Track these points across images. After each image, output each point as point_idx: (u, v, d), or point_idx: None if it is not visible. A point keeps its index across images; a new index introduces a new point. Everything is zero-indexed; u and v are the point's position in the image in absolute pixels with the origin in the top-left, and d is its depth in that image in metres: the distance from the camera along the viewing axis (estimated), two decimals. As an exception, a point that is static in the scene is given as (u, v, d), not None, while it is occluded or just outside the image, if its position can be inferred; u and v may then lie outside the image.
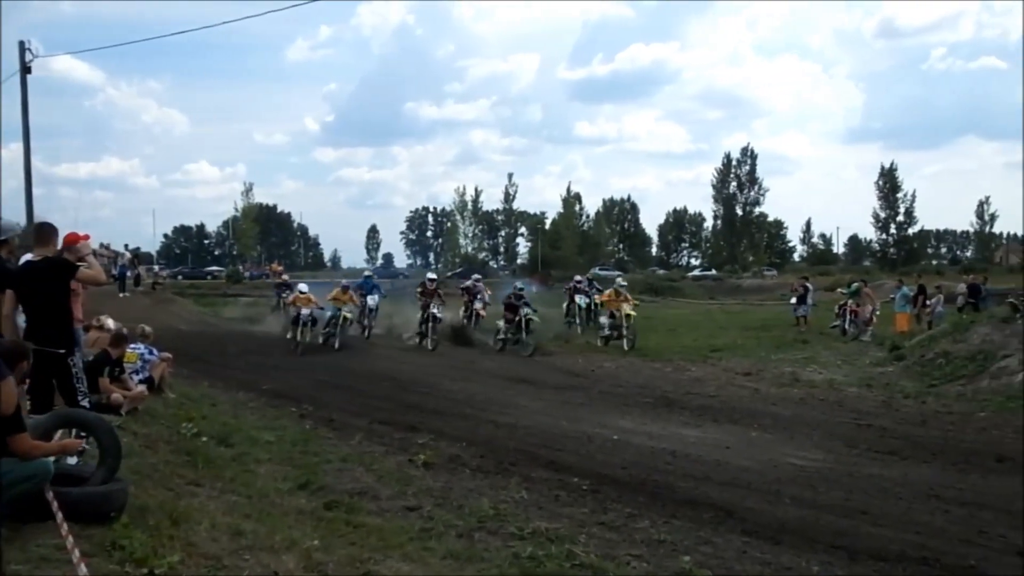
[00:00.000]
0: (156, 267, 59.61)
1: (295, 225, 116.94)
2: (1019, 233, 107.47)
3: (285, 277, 37.98)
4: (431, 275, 26.10)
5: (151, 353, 12.17)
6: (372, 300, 24.51)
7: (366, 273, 29.72)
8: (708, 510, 7.54)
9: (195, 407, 11.39)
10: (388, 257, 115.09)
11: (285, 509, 6.73)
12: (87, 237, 7.04)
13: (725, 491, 8.34)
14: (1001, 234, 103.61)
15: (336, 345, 21.73)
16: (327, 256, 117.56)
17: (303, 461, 8.79)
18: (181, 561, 4.81)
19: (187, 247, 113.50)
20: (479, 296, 25.78)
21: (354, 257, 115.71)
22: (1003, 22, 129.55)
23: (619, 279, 28.32)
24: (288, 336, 21.99)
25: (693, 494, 8.15)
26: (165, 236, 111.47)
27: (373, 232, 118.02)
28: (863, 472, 9.38)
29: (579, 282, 28.00)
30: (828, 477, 9.09)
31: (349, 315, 22.94)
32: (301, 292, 23.16)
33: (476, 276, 28.32)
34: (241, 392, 14.04)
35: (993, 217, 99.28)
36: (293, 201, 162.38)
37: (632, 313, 22.87)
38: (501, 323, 22.78)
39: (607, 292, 24.49)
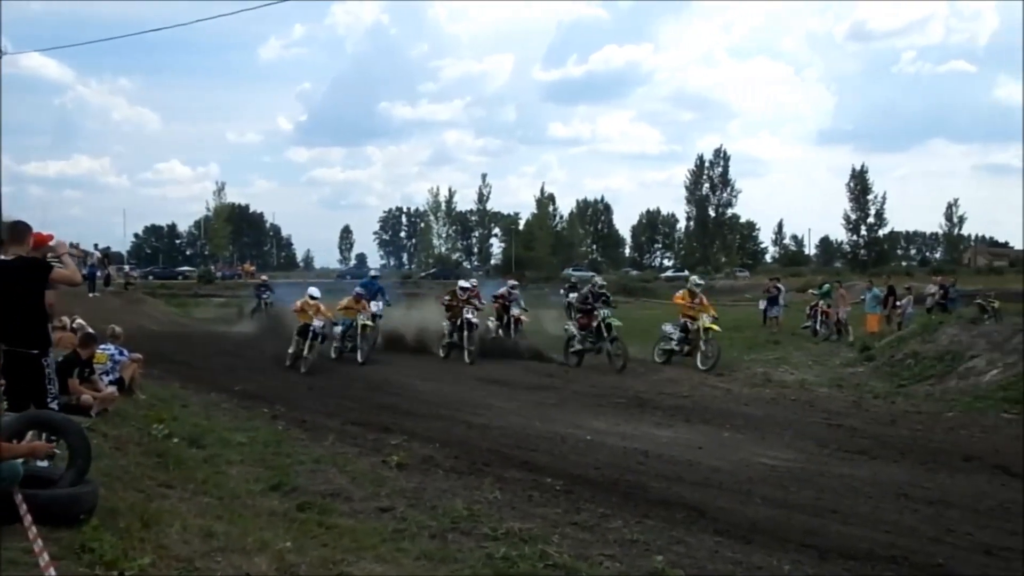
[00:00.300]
0: (127, 267, 58.99)
1: (268, 225, 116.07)
2: (987, 235, 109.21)
3: (264, 278, 37.02)
4: (467, 283, 21.65)
5: (121, 354, 12.09)
6: (376, 306, 20.62)
7: (372, 273, 25.28)
8: (680, 510, 7.58)
9: (166, 408, 11.31)
10: (361, 257, 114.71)
11: (257, 511, 6.69)
12: (51, 237, 6.96)
13: (697, 491, 8.39)
14: (969, 236, 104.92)
15: (361, 358, 19.09)
16: (300, 256, 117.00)
17: (275, 462, 8.75)
18: (152, 564, 4.77)
19: (158, 247, 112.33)
20: (515, 303, 22.68)
21: (327, 257, 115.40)
22: (971, 26, 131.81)
23: (694, 277, 22.45)
24: (290, 351, 18.22)
25: (666, 494, 8.19)
26: (136, 236, 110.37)
27: (346, 232, 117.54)
28: (833, 471, 9.47)
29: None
30: (799, 477, 9.16)
31: (369, 322, 19.80)
32: (312, 298, 18.93)
33: (512, 282, 24.36)
34: (213, 393, 13.96)
35: (961, 219, 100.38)
36: (266, 201, 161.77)
37: (714, 327, 18.62)
38: (572, 328, 19.37)
39: (679, 294, 20.18)
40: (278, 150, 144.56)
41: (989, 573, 6.37)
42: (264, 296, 31.23)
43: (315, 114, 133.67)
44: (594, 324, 18.53)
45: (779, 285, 29.84)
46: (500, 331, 21.94)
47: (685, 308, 19.08)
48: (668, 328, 19.29)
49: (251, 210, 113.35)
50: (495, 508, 7.39)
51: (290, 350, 18.26)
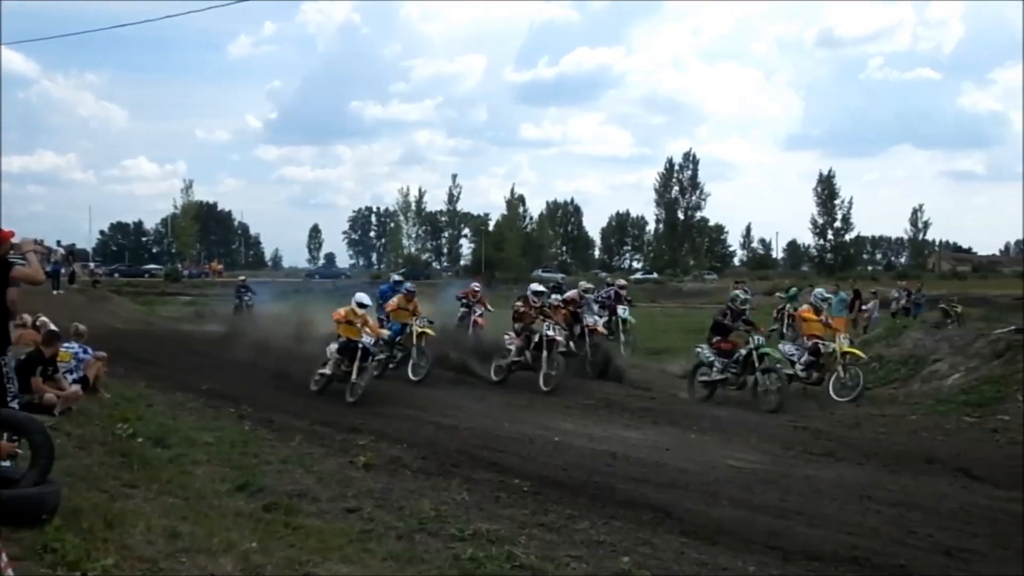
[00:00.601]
0: (92, 264, 58.36)
1: (236, 224, 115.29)
2: (951, 241, 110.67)
3: (243, 278, 35.07)
4: (540, 286, 17.94)
5: (85, 352, 11.96)
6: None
7: (395, 277, 21.72)
8: (647, 511, 7.62)
9: (131, 407, 11.19)
10: (330, 257, 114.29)
11: (223, 511, 6.64)
12: (12, 234, 6.87)
13: (664, 492, 8.44)
14: (934, 241, 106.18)
15: (416, 376, 15.99)
16: (268, 255, 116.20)
17: (242, 462, 8.69)
18: (116, 564, 4.74)
19: (124, 245, 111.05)
20: (588, 309, 18.74)
21: (295, 257, 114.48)
22: (937, 34, 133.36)
23: (819, 290, 17.41)
24: (324, 371, 14.63)
25: (633, 495, 8.23)
26: (101, 233, 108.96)
27: (315, 232, 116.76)
28: (798, 473, 9.56)
29: (621, 287, 21.42)
30: (764, 478, 9.24)
31: (428, 328, 16.69)
32: (360, 306, 14.96)
33: (584, 285, 20.31)
34: (179, 392, 13.79)
35: (926, 225, 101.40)
36: (234, 199, 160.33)
37: (856, 351, 15.35)
38: (705, 351, 15.42)
39: (803, 308, 16.47)
40: (247, 148, 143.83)
41: (950, 574, 6.46)
42: (245, 298, 29.80)
43: (285, 112, 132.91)
44: (742, 352, 14.92)
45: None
46: (569, 344, 17.03)
47: (813, 327, 15.56)
48: (707, 353, 15.44)
49: (219, 208, 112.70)
50: (463, 509, 7.39)
51: (323, 370, 14.62)
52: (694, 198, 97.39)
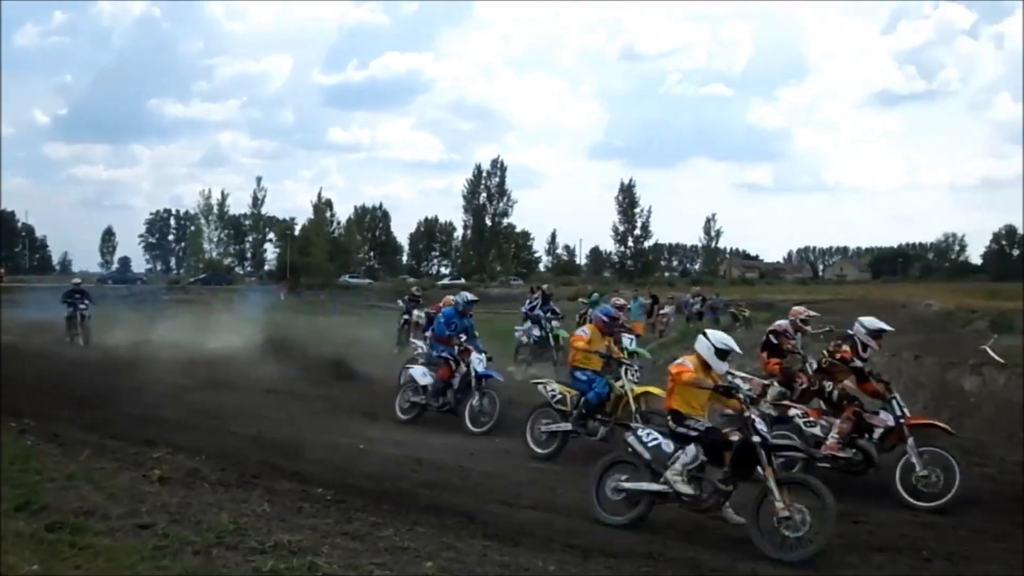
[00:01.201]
0: None
1: (19, 225, 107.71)
2: (740, 248, 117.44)
3: (77, 281, 27.35)
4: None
5: None
6: (479, 361, 13.36)
7: (463, 296, 14.94)
8: (451, 516, 7.70)
9: None
10: (124, 261, 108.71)
11: (1, 533, 6.22)
12: None
13: (468, 496, 8.56)
14: (725, 249, 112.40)
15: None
16: (56, 259, 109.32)
17: (22, 480, 8.12)
18: None
19: None
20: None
21: (87, 261, 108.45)
22: (729, 53, 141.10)
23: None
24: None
25: (437, 501, 8.30)
26: None
27: (109, 235, 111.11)
28: (597, 474, 9.90)
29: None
30: (565, 479, 9.53)
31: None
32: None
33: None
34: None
35: (719, 233, 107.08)
36: (18, 199, 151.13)
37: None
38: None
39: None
40: (34, 145, 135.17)
41: (735, 562, 6.88)
42: (81, 307, 23.35)
43: (77, 108, 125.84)
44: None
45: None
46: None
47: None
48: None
49: (1, 208, 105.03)
50: (263, 521, 7.21)
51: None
52: (501, 204, 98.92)
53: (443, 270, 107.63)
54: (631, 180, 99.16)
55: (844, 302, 39.45)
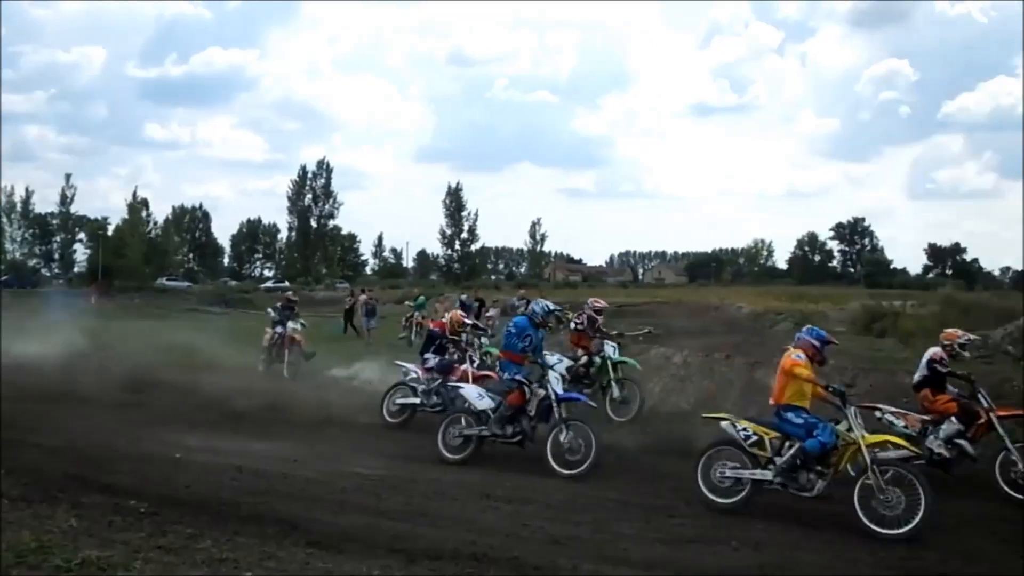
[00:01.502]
0: None
1: None
2: (565, 252, 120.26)
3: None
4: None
5: None
6: (555, 379, 11.11)
7: (540, 305, 12.24)
8: (273, 524, 7.49)
9: None
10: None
11: None
12: None
13: (291, 504, 8.36)
14: (550, 253, 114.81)
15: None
16: None
17: None
18: None
19: None
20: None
21: None
22: (554, 60, 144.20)
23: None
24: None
25: (259, 509, 8.06)
26: None
27: None
28: (424, 477, 9.92)
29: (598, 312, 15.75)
30: (391, 484, 9.48)
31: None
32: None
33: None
34: None
35: (544, 237, 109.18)
36: None
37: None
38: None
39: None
40: None
41: (556, 560, 7.01)
42: None
43: None
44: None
45: (369, 294, 30.98)
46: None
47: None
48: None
49: None
50: (70, 537, 6.80)
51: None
52: (327, 206, 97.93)
53: (266, 272, 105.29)
54: (458, 183, 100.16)
55: (661, 304, 41.08)
